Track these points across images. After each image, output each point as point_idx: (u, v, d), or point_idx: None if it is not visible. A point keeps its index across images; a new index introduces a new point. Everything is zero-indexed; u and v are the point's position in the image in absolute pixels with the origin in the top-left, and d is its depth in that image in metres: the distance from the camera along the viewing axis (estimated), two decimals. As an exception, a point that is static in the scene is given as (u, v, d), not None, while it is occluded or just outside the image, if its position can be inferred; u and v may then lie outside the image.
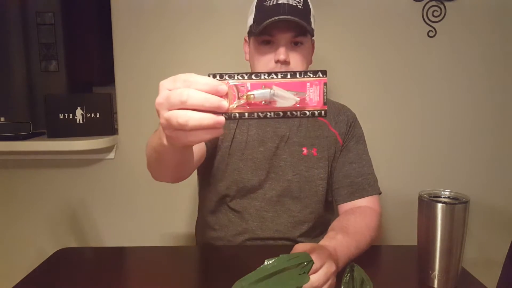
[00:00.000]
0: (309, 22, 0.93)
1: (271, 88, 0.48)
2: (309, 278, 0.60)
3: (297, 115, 0.49)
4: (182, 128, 0.45)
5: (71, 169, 1.61)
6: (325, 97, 0.49)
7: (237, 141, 1.00)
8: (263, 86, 0.48)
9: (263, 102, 0.48)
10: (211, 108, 0.46)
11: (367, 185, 0.99)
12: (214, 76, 0.48)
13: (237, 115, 0.48)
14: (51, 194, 1.62)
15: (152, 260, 0.84)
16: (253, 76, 0.48)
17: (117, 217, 1.63)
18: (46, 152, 1.53)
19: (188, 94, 0.45)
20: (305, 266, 0.60)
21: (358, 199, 0.98)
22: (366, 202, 0.98)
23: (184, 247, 0.97)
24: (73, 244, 1.63)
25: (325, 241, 0.76)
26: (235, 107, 0.48)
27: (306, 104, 0.48)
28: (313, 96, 0.49)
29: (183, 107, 0.45)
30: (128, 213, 1.62)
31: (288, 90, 0.48)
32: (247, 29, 0.99)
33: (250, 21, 0.96)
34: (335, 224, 0.89)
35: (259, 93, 0.48)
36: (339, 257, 0.72)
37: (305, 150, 1.00)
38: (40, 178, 1.61)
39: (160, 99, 0.47)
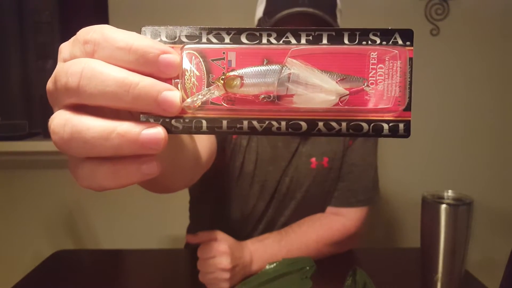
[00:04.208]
0: (335, 18, 0.77)
1: (283, 65, 0.23)
2: (311, 282, 0.59)
3: (340, 130, 0.23)
4: (68, 153, 0.23)
5: (68, 170, 1.59)
6: (410, 90, 0.23)
7: (247, 161, 0.85)
8: (265, 61, 0.23)
9: (261, 96, 0.23)
10: (137, 107, 0.22)
11: (362, 193, 0.88)
12: (156, 35, 0.23)
13: (203, 123, 0.23)
14: (47, 195, 1.60)
15: (150, 263, 0.83)
16: (243, 37, 0.23)
17: (114, 219, 1.61)
18: (42, 152, 1.52)
19: (83, 74, 0.21)
20: (307, 270, 0.59)
21: (342, 207, 0.89)
22: (350, 213, 0.88)
23: (182, 250, 0.96)
24: (70, 246, 1.61)
25: (254, 240, 0.78)
26: (199, 103, 0.23)
27: (363, 102, 0.23)
28: (384, 87, 0.23)
29: (78, 101, 0.22)
30: (125, 215, 1.61)
31: (322, 71, 0.22)
32: (255, 23, 0.82)
33: (260, 13, 0.79)
34: (293, 225, 0.85)
35: (254, 74, 0.23)
36: (254, 260, 0.74)
37: (313, 162, 0.86)
38: (36, 179, 1.59)
39: (49, 83, 0.24)
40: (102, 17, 1.61)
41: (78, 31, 0.23)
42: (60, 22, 1.85)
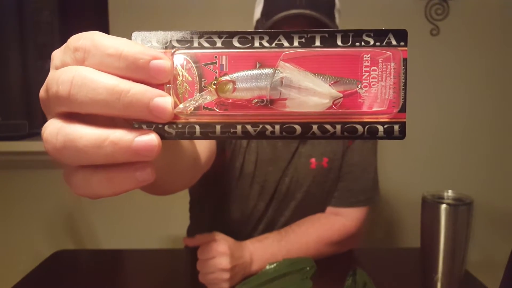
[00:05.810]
0: (333, 18, 0.77)
1: (275, 68, 0.22)
2: (311, 283, 0.59)
3: (335, 133, 0.22)
4: (61, 161, 0.23)
5: (68, 170, 1.59)
6: (404, 91, 0.22)
7: (247, 162, 0.86)
8: (257, 64, 0.22)
9: (254, 101, 0.22)
10: (129, 114, 0.22)
11: (362, 193, 0.88)
12: (147, 40, 0.23)
13: (197, 129, 0.23)
14: (47, 195, 1.60)
15: (150, 263, 0.83)
16: (235, 41, 0.22)
17: (114, 219, 1.61)
18: (42, 152, 1.51)
19: (73, 83, 0.21)
20: (308, 271, 0.59)
21: (342, 207, 0.89)
22: (350, 213, 0.88)
23: (182, 250, 0.95)
24: (70, 246, 1.61)
25: (254, 240, 0.77)
26: (191, 109, 0.23)
27: (357, 105, 0.22)
28: (378, 89, 0.22)
29: (69, 109, 0.22)
30: (125, 215, 1.60)
31: (315, 74, 0.22)
32: (253, 24, 0.83)
33: (257, 14, 0.80)
34: (293, 225, 0.84)
35: (246, 78, 0.22)
36: (254, 260, 0.73)
37: (313, 162, 0.86)
38: (36, 179, 1.59)
39: (41, 91, 0.24)
40: (102, 17, 1.61)
41: (78, 31, 0.24)
42: (60, 22, 1.84)
